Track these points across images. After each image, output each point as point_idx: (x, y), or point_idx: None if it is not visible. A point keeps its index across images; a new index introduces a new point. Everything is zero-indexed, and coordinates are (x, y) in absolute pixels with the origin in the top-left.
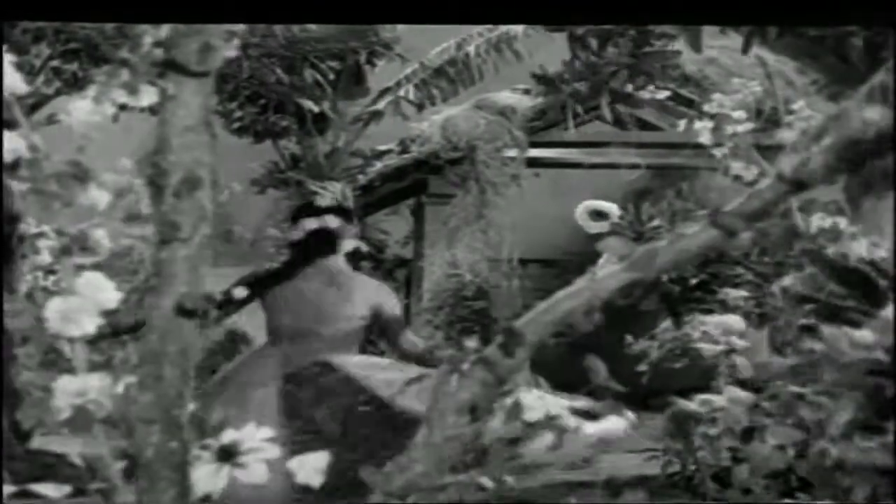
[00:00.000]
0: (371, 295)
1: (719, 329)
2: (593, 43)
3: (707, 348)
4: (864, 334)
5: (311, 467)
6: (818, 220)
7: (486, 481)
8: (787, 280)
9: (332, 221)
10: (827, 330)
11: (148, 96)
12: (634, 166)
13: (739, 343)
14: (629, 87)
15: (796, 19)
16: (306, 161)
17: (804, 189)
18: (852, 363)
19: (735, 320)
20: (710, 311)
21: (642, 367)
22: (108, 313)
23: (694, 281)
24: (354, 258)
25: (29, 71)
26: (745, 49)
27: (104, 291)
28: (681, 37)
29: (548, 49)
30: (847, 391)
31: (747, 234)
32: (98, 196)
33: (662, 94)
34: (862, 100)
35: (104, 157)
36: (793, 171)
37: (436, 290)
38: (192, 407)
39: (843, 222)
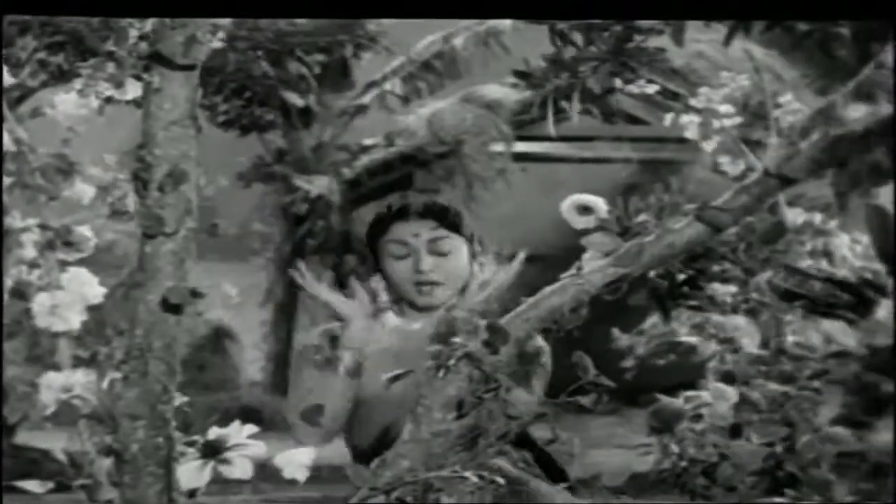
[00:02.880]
0: None
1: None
2: (577, 38)
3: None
4: (836, 326)
5: (297, 463)
6: (803, 216)
7: (473, 476)
8: (769, 275)
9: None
10: (798, 324)
11: (133, 89)
12: (627, 160)
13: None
14: (618, 82)
15: (784, 13)
16: (292, 155)
17: (791, 184)
18: (829, 356)
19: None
20: (698, 307)
21: (628, 363)
22: (93, 308)
23: (682, 276)
24: None
25: (15, 63)
26: (727, 41)
27: (89, 286)
28: (665, 31)
29: (536, 43)
30: (829, 386)
31: (733, 228)
32: (83, 190)
33: (651, 89)
34: (849, 94)
35: (89, 150)
36: (779, 165)
37: None
38: (177, 402)
39: (819, 217)
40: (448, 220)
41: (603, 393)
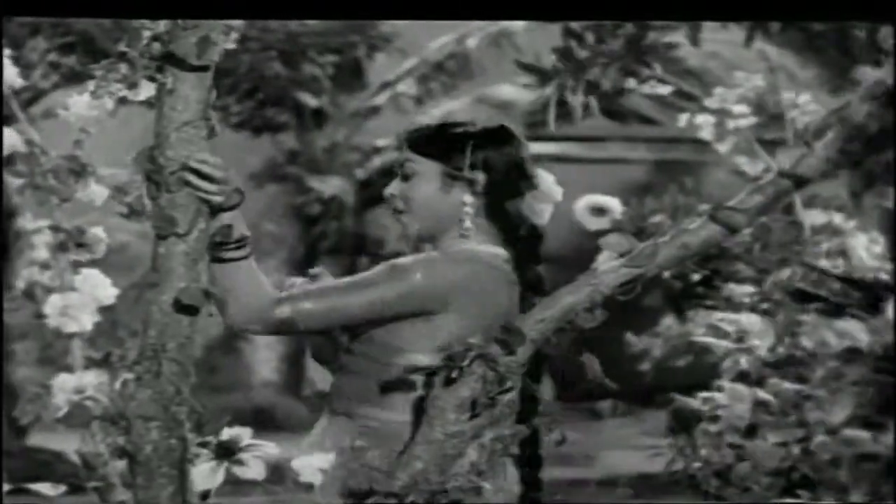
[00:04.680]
0: None
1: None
2: (589, 37)
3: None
4: (849, 324)
5: (315, 467)
6: (818, 216)
7: (486, 484)
8: (783, 275)
9: None
10: (813, 323)
11: (146, 90)
12: (641, 161)
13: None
14: (632, 82)
15: (799, 14)
16: (305, 156)
17: (806, 184)
18: (841, 355)
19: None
20: (713, 308)
21: (645, 365)
22: (105, 309)
23: (696, 277)
24: None
25: (26, 65)
26: (748, 41)
27: (102, 287)
28: (680, 30)
29: (548, 43)
30: (844, 386)
31: (748, 229)
32: (96, 191)
33: (664, 89)
34: (864, 94)
35: (102, 151)
36: (794, 166)
37: None
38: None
39: (838, 217)
40: (413, 140)
41: (619, 398)
